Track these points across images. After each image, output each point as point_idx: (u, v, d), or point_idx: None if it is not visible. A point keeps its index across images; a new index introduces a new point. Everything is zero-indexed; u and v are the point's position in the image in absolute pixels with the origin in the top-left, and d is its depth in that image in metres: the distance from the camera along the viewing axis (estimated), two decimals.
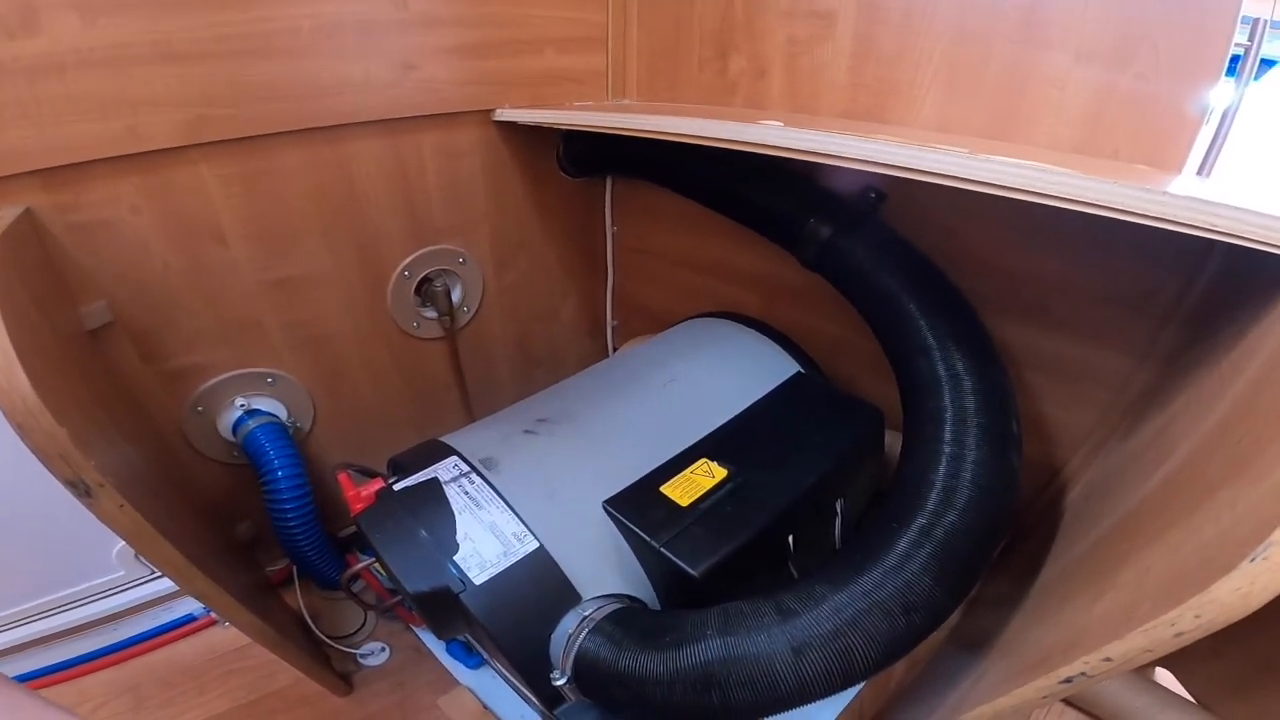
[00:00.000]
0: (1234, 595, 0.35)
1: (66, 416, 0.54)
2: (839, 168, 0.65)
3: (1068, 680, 0.45)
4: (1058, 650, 0.49)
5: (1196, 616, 0.36)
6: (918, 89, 0.85)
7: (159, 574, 1.03)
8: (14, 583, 0.96)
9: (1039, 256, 0.83)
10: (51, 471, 0.54)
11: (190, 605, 1.11)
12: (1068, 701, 0.94)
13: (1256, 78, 1.84)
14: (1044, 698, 0.48)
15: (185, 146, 0.81)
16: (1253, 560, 0.34)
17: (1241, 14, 0.64)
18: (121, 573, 1.01)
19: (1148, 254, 0.74)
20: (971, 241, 0.87)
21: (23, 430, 0.52)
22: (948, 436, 0.70)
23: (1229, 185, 0.66)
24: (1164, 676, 0.91)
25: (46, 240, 0.76)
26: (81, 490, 0.56)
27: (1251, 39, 1.71)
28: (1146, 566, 0.47)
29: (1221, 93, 0.67)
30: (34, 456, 0.53)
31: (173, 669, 1.05)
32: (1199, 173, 0.78)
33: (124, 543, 0.95)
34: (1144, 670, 0.81)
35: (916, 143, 0.60)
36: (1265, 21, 1.73)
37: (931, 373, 0.74)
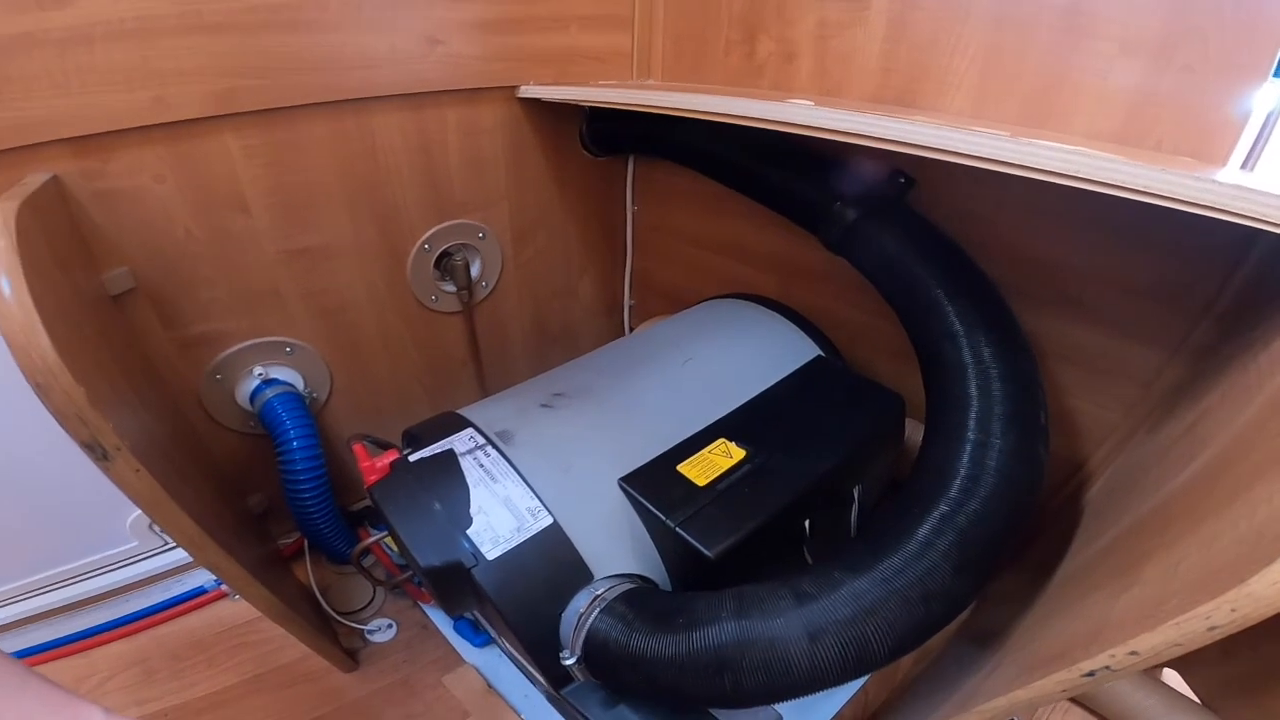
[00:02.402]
0: (1272, 589, 0.34)
1: (86, 378, 0.54)
2: (866, 150, 0.64)
3: (1090, 674, 0.44)
4: (1078, 644, 0.48)
5: (1233, 610, 0.35)
6: (952, 75, 0.83)
7: (171, 545, 1.04)
8: (27, 553, 0.97)
9: (1071, 246, 0.81)
10: (68, 432, 0.54)
11: (200, 578, 1.12)
12: (1074, 699, 0.93)
13: None
14: (1063, 691, 0.48)
15: (212, 117, 0.81)
16: None
17: None
18: (134, 543, 1.02)
19: (1185, 247, 0.72)
20: (1002, 229, 0.85)
21: (41, 389, 0.52)
22: (973, 424, 0.69)
23: (1276, 177, 0.64)
24: (1170, 677, 0.90)
25: (72, 206, 0.77)
26: (98, 453, 0.56)
27: None
28: (1176, 561, 0.46)
29: (1268, 93, 0.65)
30: (52, 420, 0.54)
31: (182, 642, 1.06)
32: (1245, 162, 0.76)
33: (137, 513, 0.96)
34: (1151, 670, 0.80)
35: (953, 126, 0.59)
36: None
37: (958, 359, 0.73)
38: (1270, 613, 0.35)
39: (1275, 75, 0.65)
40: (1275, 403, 0.49)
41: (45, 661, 1.01)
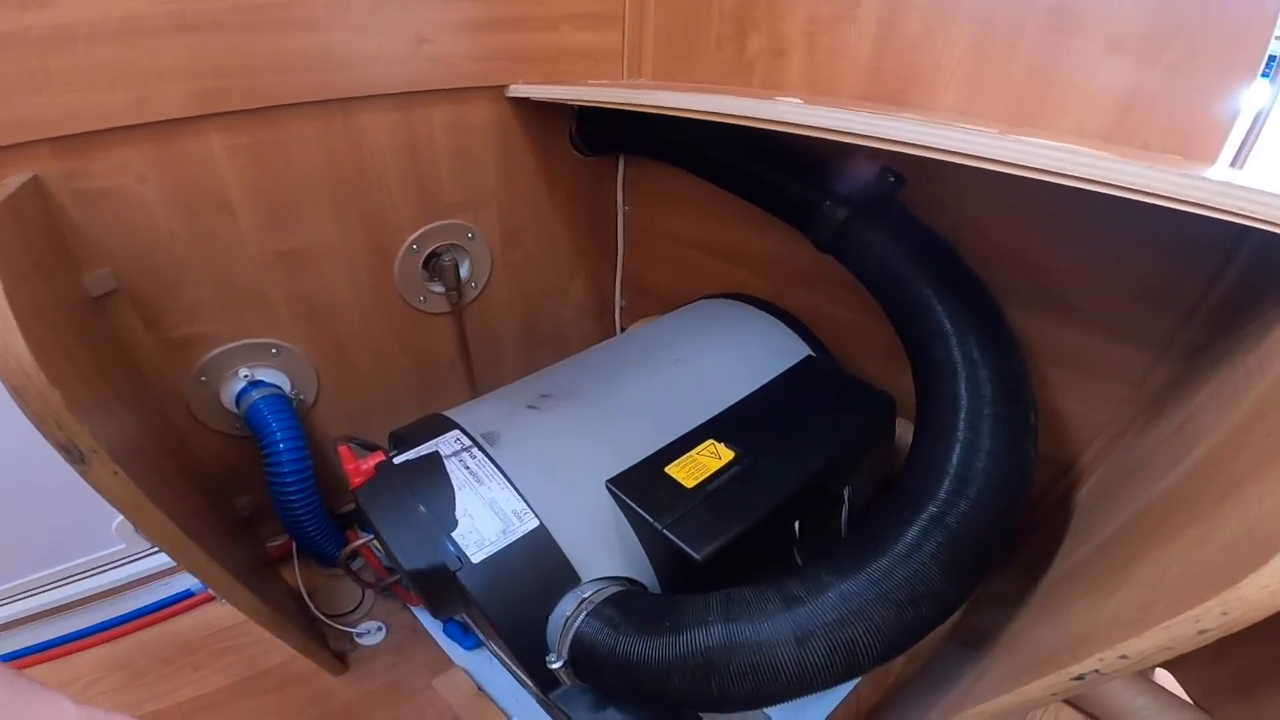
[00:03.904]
0: (1263, 592, 0.33)
1: (63, 381, 0.53)
2: (857, 149, 0.64)
3: (1079, 678, 0.44)
4: (1066, 648, 0.48)
5: (1223, 614, 0.35)
6: (941, 74, 0.83)
7: (157, 549, 1.03)
8: (12, 556, 0.96)
9: (1061, 246, 0.81)
10: (44, 435, 0.54)
11: (187, 581, 1.11)
12: (1066, 699, 0.93)
13: None
14: (1052, 695, 0.47)
15: (196, 117, 0.81)
16: None
17: None
18: (121, 546, 1.01)
19: (1173, 247, 0.72)
20: (992, 229, 0.85)
21: (17, 393, 0.51)
22: (962, 424, 0.69)
23: (1264, 175, 0.64)
24: (1163, 677, 0.90)
25: (53, 207, 0.76)
26: (75, 456, 0.55)
27: None
28: (1165, 563, 0.45)
29: (1255, 93, 0.65)
30: (37, 434, 0.53)
31: (169, 645, 1.05)
32: (1234, 160, 0.76)
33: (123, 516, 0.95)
34: (1144, 671, 0.80)
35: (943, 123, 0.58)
36: None
37: (948, 359, 0.73)
38: (1261, 616, 0.34)
39: (1264, 75, 0.65)
40: (1264, 403, 0.49)
41: (31, 665, 1.00)
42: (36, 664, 1.00)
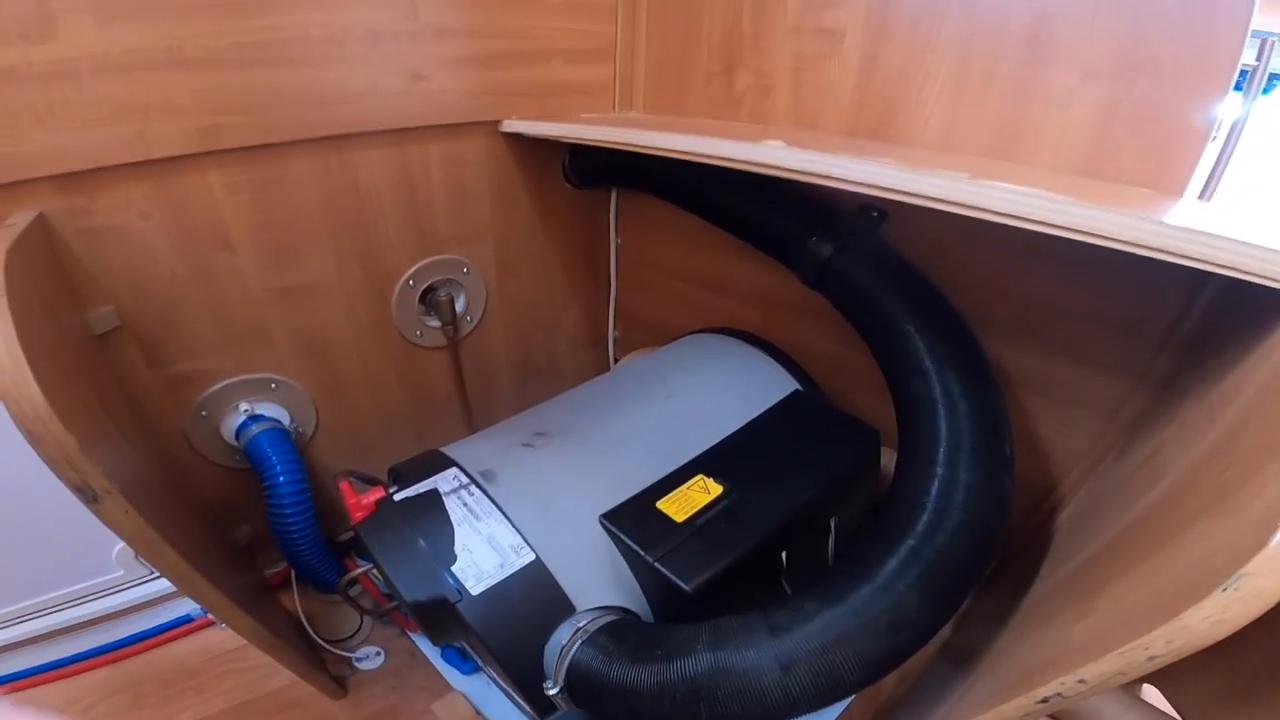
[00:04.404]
0: (1205, 623, 0.35)
1: (74, 423, 0.55)
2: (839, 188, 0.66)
3: (1045, 700, 0.46)
4: (1038, 669, 0.49)
5: (1168, 642, 0.37)
6: (923, 107, 0.85)
7: (157, 575, 1.04)
8: (12, 580, 0.96)
9: (1037, 279, 0.83)
10: (59, 477, 0.55)
11: (188, 605, 1.11)
12: (1052, 716, 0.94)
13: (1266, 91, 1.86)
14: (1024, 716, 0.49)
15: (196, 154, 0.81)
16: (1224, 590, 0.35)
17: (1251, 29, 0.64)
18: (120, 573, 1.02)
19: (1144, 279, 0.74)
20: (971, 262, 0.87)
21: (32, 437, 0.53)
22: (941, 458, 0.71)
23: (1229, 210, 0.66)
24: (1152, 693, 0.91)
25: (57, 245, 0.77)
26: (89, 496, 0.57)
27: (1259, 58, 1.72)
28: (1124, 591, 0.47)
29: (1228, 107, 0.67)
30: (39, 459, 0.54)
31: (170, 668, 1.06)
32: (1204, 191, 0.78)
33: (124, 544, 0.96)
34: (1132, 686, 0.82)
35: (918, 165, 0.61)
36: (1273, 41, 1.74)
37: (927, 394, 0.75)
38: (1205, 644, 0.36)
39: (1236, 88, 0.67)
40: (1224, 440, 0.51)
41: (32, 686, 1.00)
42: (38, 685, 1.01)
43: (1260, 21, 0.63)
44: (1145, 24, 0.68)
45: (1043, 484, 0.93)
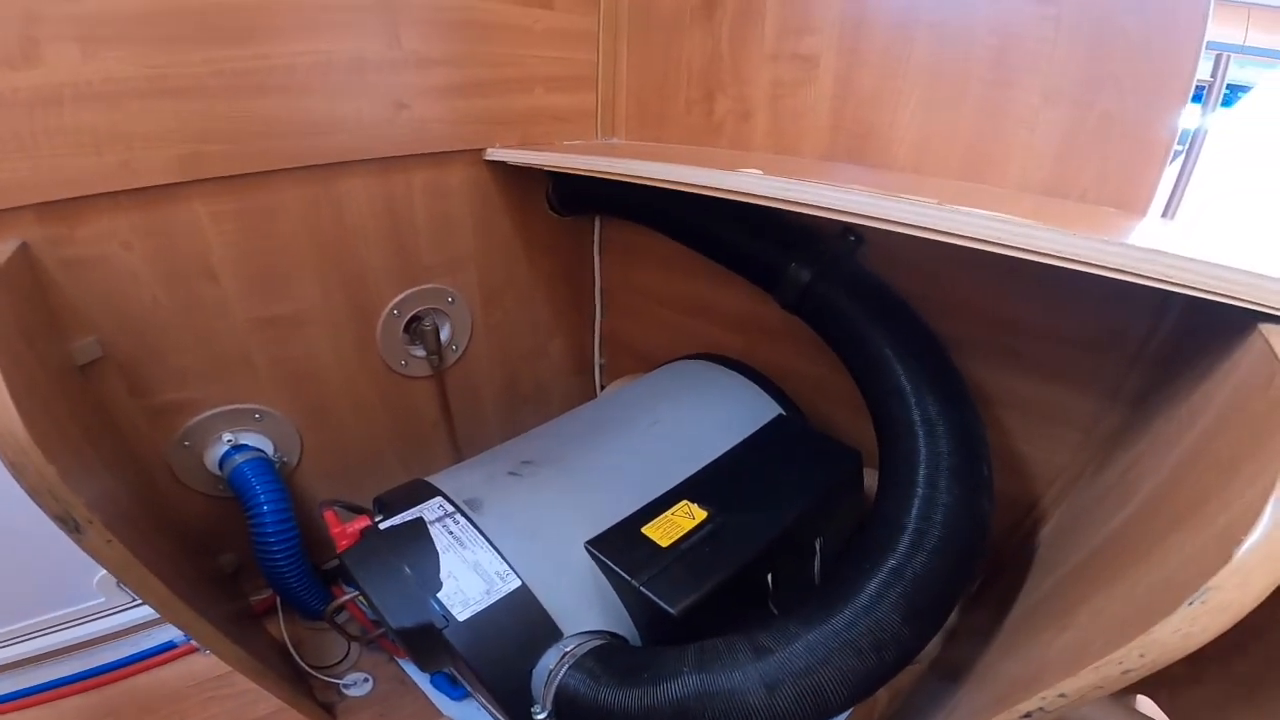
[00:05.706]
0: (1175, 636, 0.36)
1: (56, 454, 0.55)
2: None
3: (1027, 715, 0.46)
4: (1020, 685, 0.50)
5: (1141, 656, 0.38)
6: (896, 129, 0.87)
7: (139, 602, 1.03)
8: None
9: (1011, 299, 0.85)
10: (41, 507, 0.55)
11: (172, 632, 1.10)
12: None
13: (1227, 104, 1.91)
14: None
15: (180, 183, 0.81)
16: (1191, 604, 0.35)
17: (1207, 41, 0.66)
18: (102, 599, 1.01)
19: (1114, 296, 0.74)
20: (947, 284, 0.89)
21: (14, 468, 0.53)
22: (920, 479, 0.72)
23: (1190, 228, 0.68)
24: (1145, 703, 0.91)
25: (40, 275, 0.76)
26: (71, 526, 0.57)
27: (1214, 74, 1.77)
28: (1101, 606, 0.48)
29: (1188, 121, 0.69)
30: (18, 487, 0.54)
31: (154, 694, 1.04)
32: (1167, 207, 0.80)
33: (104, 571, 0.95)
34: (1124, 696, 0.82)
35: (889, 190, 0.62)
36: (1228, 57, 1.79)
37: (906, 416, 0.76)
38: (1177, 657, 0.37)
39: (1195, 100, 0.68)
40: (1192, 455, 0.52)
41: (10, 712, 0.99)
42: (16, 710, 0.99)
43: (1214, 32, 0.65)
44: (1106, 42, 0.70)
45: (1024, 500, 0.94)
